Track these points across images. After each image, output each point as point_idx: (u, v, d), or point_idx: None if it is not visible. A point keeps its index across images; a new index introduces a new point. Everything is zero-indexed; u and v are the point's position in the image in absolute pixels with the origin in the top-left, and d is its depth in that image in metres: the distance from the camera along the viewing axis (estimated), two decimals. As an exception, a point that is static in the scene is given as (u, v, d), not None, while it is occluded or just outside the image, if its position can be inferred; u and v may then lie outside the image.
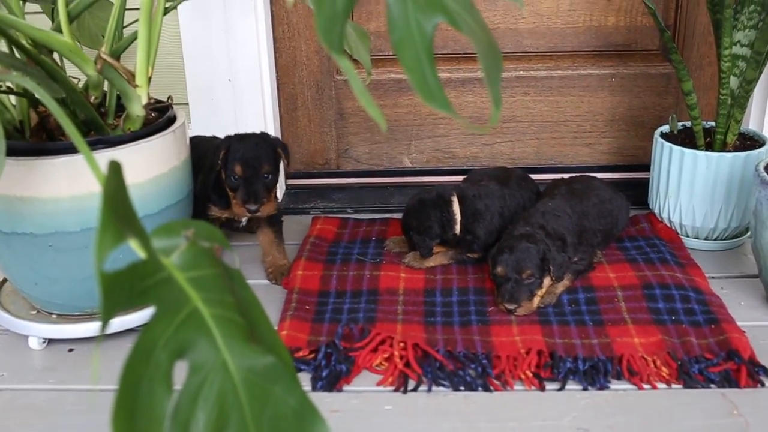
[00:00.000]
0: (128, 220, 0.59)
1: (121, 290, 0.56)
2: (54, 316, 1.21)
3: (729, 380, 1.09)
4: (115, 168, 0.60)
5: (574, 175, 1.54)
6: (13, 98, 1.17)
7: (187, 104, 1.67)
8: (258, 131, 1.38)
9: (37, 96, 0.79)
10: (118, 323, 1.14)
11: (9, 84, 1.16)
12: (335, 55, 0.58)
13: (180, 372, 0.56)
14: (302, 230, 1.60)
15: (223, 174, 1.33)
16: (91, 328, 1.16)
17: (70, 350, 1.21)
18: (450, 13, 0.64)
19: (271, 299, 1.33)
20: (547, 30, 1.73)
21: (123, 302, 0.56)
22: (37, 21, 1.35)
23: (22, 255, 1.12)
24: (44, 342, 1.22)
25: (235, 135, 1.36)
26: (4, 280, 1.31)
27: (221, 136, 1.48)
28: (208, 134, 1.52)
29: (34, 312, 1.22)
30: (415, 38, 0.62)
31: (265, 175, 1.33)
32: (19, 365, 1.18)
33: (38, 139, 1.16)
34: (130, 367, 0.55)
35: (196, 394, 0.58)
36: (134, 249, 0.59)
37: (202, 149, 1.40)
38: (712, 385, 1.08)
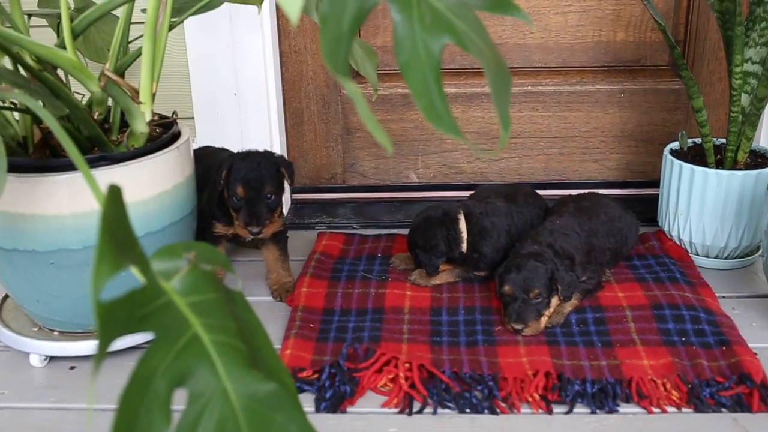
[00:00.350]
0: (128, 246, 0.58)
1: (118, 318, 0.54)
2: (56, 333, 1.20)
3: (741, 404, 1.07)
4: (114, 192, 0.58)
5: (582, 191, 1.52)
6: (16, 114, 1.16)
7: (192, 118, 1.66)
8: (262, 149, 1.36)
9: (39, 114, 0.78)
10: (121, 342, 1.13)
11: (13, 100, 1.16)
12: (340, 78, 0.56)
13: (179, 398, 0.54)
14: (307, 245, 1.59)
15: (225, 193, 1.32)
16: (93, 345, 1.15)
17: (72, 368, 1.19)
18: (458, 34, 0.63)
19: (275, 317, 1.32)
20: (556, 45, 1.72)
21: (121, 330, 0.55)
22: (42, 34, 1.35)
23: (24, 272, 1.11)
24: (45, 359, 1.20)
25: (239, 153, 1.34)
26: (6, 297, 1.30)
27: (230, 148, 1.47)
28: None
29: (35, 329, 1.21)
30: (423, 60, 0.61)
31: (268, 196, 1.30)
32: (20, 383, 1.16)
33: (41, 156, 1.15)
34: (127, 397, 0.54)
35: (195, 423, 0.56)
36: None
37: (209, 161, 1.38)
38: (723, 410, 1.06)
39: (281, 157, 1.37)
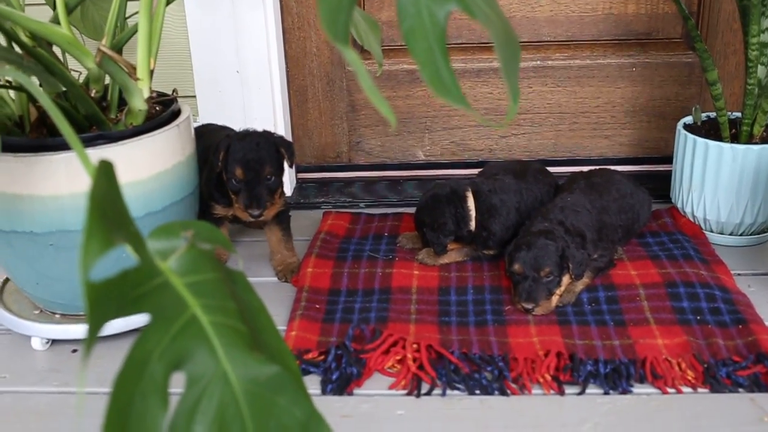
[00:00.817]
0: (120, 223, 0.55)
1: (111, 300, 0.52)
2: (57, 315, 1.18)
3: (758, 384, 1.04)
4: (106, 168, 0.56)
5: (593, 168, 1.49)
6: (12, 92, 1.14)
7: (194, 97, 1.63)
8: (261, 129, 1.33)
9: (30, 91, 0.75)
10: (122, 324, 1.11)
11: (8, 78, 1.13)
12: (340, 46, 0.53)
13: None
14: (313, 225, 1.56)
15: (224, 175, 1.28)
16: (95, 328, 1.13)
17: (74, 351, 1.18)
18: (464, 0, 0.59)
19: (280, 298, 1.29)
20: (565, 18, 1.68)
21: (114, 312, 0.52)
22: (40, 12, 1.32)
23: (23, 254, 1.09)
24: (47, 342, 1.19)
25: (237, 133, 1.31)
26: (7, 280, 1.28)
27: (232, 126, 1.44)
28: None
29: (37, 312, 1.20)
30: (427, 27, 0.58)
31: (268, 178, 1.27)
32: (22, 367, 1.15)
33: (38, 135, 1.12)
34: (121, 382, 0.51)
35: (194, 408, 0.54)
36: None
37: (208, 140, 1.35)
38: (740, 390, 1.04)
39: (280, 137, 1.34)
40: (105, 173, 0.56)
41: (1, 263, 1.17)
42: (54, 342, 1.19)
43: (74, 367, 1.14)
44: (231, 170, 1.26)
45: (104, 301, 0.51)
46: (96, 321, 0.49)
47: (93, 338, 0.49)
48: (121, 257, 0.55)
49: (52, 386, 1.10)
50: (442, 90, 0.57)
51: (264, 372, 0.56)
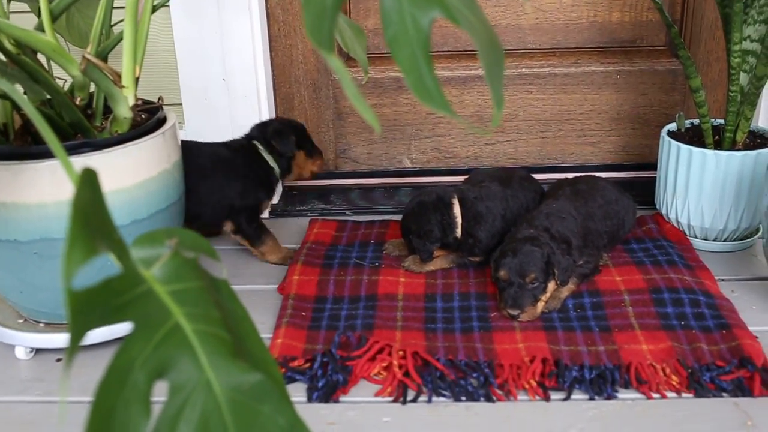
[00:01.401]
0: (103, 231, 0.55)
1: (93, 308, 0.52)
2: (41, 324, 1.17)
3: (742, 389, 1.05)
4: (89, 175, 0.56)
5: (578, 175, 1.50)
6: (-4, 100, 1.13)
7: (180, 105, 1.63)
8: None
9: (14, 98, 0.75)
10: (106, 332, 1.10)
11: (-8, 85, 1.12)
12: (325, 54, 0.54)
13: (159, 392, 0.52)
14: (299, 233, 1.56)
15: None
16: (80, 337, 1.12)
17: (58, 360, 1.17)
18: (447, 8, 0.60)
19: (266, 305, 1.29)
20: (550, 26, 1.69)
21: (96, 321, 0.52)
22: (25, 20, 1.31)
23: (7, 262, 1.08)
24: (31, 352, 1.18)
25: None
26: (-9, 288, 1.27)
27: (216, 138, 1.44)
28: (202, 135, 1.47)
29: (21, 321, 1.19)
30: (411, 34, 0.58)
31: None
32: (5, 376, 1.14)
33: (23, 143, 1.12)
34: (103, 391, 0.51)
35: (176, 416, 0.54)
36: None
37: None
38: (724, 394, 1.04)
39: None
40: (89, 181, 0.56)
41: (-16, 272, 1.16)
42: (38, 351, 1.19)
43: (58, 376, 1.13)
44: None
45: (87, 309, 0.51)
46: (78, 329, 0.49)
47: (75, 346, 0.48)
48: (105, 265, 0.55)
49: (36, 395, 1.09)
50: (425, 96, 0.57)
51: (247, 380, 0.56)
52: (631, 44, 1.70)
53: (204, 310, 0.59)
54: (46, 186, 1.03)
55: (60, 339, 1.14)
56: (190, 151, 1.33)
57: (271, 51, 1.69)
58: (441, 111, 0.58)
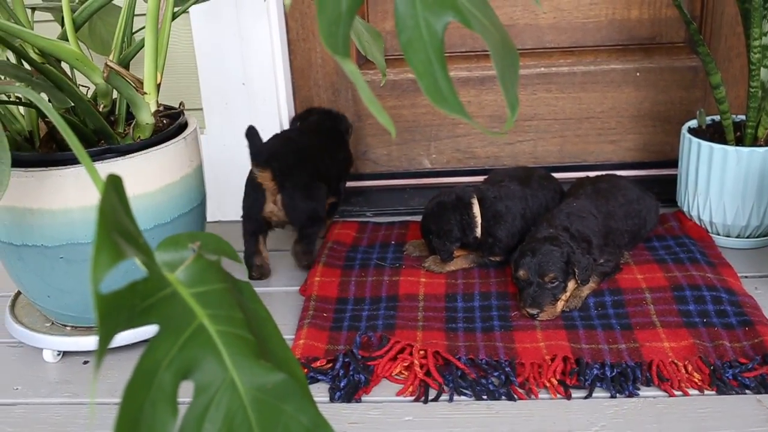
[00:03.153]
0: (129, 236, 0.56)
1: (120, 311, 0.53)
2: (68, 328, 1.19)
3: (765, 386, 1.04)
4: (114, 181, 0.57)
5: (599, 173, 1.50)
6: (22, 108, 1.16)
7: (201, 109, 1.65)
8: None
9: (40, 107, 0.76)
10: (132, 335, 1.12)
11: (19, 95, 1.15)
12: (339, 59, 0.55)
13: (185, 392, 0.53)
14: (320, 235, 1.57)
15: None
16: (106, 340, 1.14)
17: (85, 362, 1.19)
18: (461, 12, 0.60)
19: (288, 307, 1.30)
20: (569, 25, 1.69)
21: (123, 324, 0.53)
22: (48, 29, 1.34)
23: (34, 267, 1.11)
24: (59, 355, 1.20)
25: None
26: (18, 293, 1.30)
27: (237, 142, 1.45)
28: (223, 139, 1.49)
29: (48, 324, 1.21)
30: (425, 39, 0.59)
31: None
32: (34, 379, 1.16)
33: (48, 150, 1.14)
34: (131, 392, 0.52)
35: (202, 415, 0.55)
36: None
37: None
38: (747, 391, 1.04)
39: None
40: (113, 187, 0.58)
41: (12, 277, 1.18)
42: (65, 354, 1.21)
43: (85, 378, 1.15)
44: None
45: (114, 312, 0.52)
46: (107, 332, 0.51)
47: (104, 349, 0.50)
48: (130, 269, 0.57)
49: (64, 397, 1.12)
50: (440, 100, 0.58)
51: (270, 380, 0.57)
52: (650, 41, 1.69)
53: (227, 311, 0.60)
54: (71, 192, 1.05)
55: (87, 342, 1.16)
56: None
57: (290, 54, 1.71)
58: (456, 115, 0.58)
